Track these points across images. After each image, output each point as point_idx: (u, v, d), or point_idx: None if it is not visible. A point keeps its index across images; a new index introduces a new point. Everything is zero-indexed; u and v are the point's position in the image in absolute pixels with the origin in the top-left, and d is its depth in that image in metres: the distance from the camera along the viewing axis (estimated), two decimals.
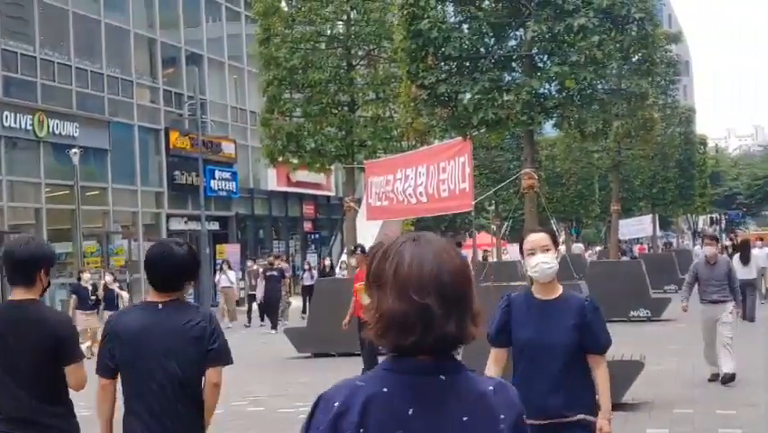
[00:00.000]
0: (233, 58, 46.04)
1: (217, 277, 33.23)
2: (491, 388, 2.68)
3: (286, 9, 21.61)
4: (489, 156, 33.23)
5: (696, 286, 14.85)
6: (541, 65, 13.72)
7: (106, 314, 20.69)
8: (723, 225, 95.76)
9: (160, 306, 5.43)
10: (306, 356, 20.13)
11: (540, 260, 5.81)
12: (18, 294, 5.56)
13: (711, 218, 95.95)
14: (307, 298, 30.98)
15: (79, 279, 23.50)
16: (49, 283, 5.70)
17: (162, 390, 5.29)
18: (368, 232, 25.85)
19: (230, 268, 32.63)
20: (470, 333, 2.64)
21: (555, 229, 41.23)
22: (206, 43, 43.74)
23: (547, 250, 5.84)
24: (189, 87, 41.04)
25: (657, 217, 45.81)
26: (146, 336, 5.32)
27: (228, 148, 43.64)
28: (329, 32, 21.66)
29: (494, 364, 5.99)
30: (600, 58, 13.12)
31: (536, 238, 5.93)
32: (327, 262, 31.22)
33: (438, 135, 14.51)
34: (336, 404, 2.58)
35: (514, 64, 14.28)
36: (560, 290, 5.94)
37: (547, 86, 13.37)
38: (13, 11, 32.85)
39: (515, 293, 6.08)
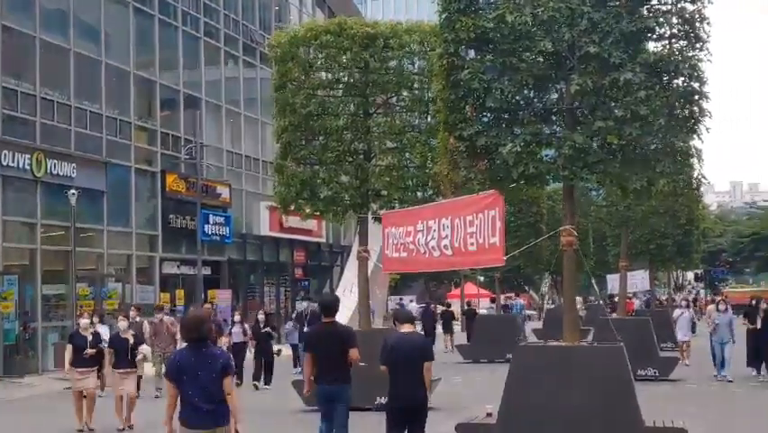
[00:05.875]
0: (230, 102, 45.84)
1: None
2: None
3: (303, 55, 21.27)
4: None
5: None
6: (583, 119, 13.41)
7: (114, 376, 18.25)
8: (707, 282, 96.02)
9: None
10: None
11: None
12: None
13: (696, 274, 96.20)
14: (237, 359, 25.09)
15: (78, 324, 19.46)
16: None
17: None
18: (350, 281, 25.54)
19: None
20: None
21: (593, 284, 41.26)
22: (204, 86, 43.50)
23: None
24: (186, 130, 40.75)
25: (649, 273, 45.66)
26: None
27: (223, 192, 43.28)
28: (346, 79, 21.31)
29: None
30: (645, 114, 12.85)
31: None
32: (261, 316, 27.19)
33: (476, 189, 14.15)
34: None
35: (555, 118, 14.01)
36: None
37: (590, 141, 13.03)
38: (14, 49, 32.48)
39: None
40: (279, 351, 34.29)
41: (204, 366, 8.92)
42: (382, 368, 11.71)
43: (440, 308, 46.15)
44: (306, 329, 26.85)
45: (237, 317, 27.59)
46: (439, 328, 41.61)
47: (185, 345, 9.33)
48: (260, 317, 27.05)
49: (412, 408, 11.56)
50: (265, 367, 25.86)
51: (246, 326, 27.07)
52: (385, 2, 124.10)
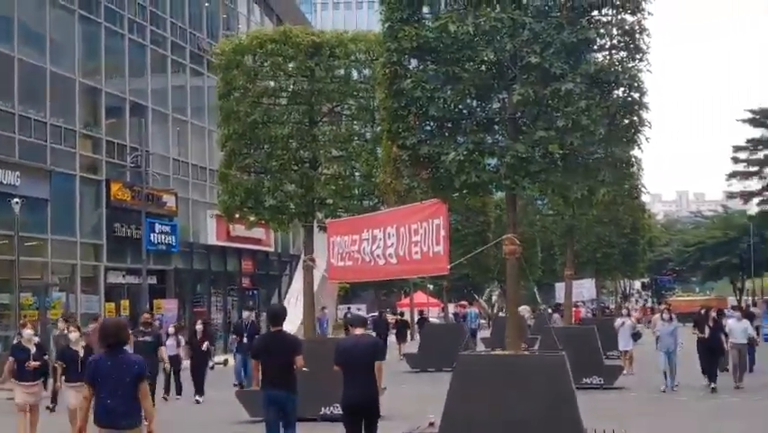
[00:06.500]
0: (177, 110, 45.55)
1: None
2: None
3: (248, 63, 21.16)
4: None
5: None
6: (525, 129, 13.47)
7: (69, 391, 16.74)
8: (654, 289, 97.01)
9: None
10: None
11: None
12: None
13: (643, 283, 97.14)
14: (173, 373, 25.34)
15: (20, 336, 18.04)
16: None
17: None
18: (298, 290, 25.39)
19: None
20: None
21: (535, 293, 41.57)
22: (151, 94, 43.20)
23: None
24: (132, 139, 40.43)
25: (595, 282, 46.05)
26: None
27: (169, 201, 42.97)
28: (292, 87, 21.23)
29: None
30: (586, 123, 12.93)
31: None
32: (199, 327, 26.20)
33: (419, 197, 14.17)
34: None
35: (497, 127, 14.05)
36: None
37: (531, 150, 13.09)
38: None
39: None
40: (226, 360, 34.10)
41: (119, 371, 9.46)
42: (335, 368, 12.21)
43: (391, 317, 46.18)
44: (245, 340, 26.52)
45: (171, 330, 26.87)
46: (392, 337, 41.60)
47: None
48: (198, 327, 26.39)
49: (364, 405, 12.10)
50: (197, 379, 24.85)
51: (181, 337, 26.34)
52: (334, 12, 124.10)
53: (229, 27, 50.58)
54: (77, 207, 37.46)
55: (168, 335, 25.68)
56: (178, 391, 25.28)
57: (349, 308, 57.27)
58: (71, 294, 36.53)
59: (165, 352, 22.85)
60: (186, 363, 25.96)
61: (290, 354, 12.61)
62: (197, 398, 24.45)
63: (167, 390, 24.94)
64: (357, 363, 12.06)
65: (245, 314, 26.43)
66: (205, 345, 25.29)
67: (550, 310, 50.03)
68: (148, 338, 21.65)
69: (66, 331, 19.20)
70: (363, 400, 12.09)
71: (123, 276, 40.24)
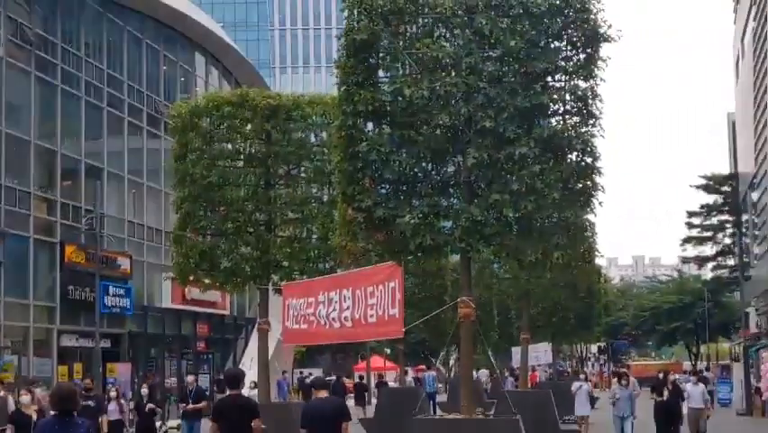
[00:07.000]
0: (133, 172, 45.36)
1: None
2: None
3: (204, 126, 21.18)
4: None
5: None
6: (480, 192, 13.55)
7: None
8: (610, 354, 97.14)
9: None
10: None
11: None
12: None
13: (599, 347, 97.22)
14: None
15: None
16: None
17: None
18: (253, 354, 25.07)
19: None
20: None
21: (490, 356, 41.54)
22: (107, 156, 43.02)
23: None
24: (87, 201, 40.12)
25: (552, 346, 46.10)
26: None
27: (124, 263, 42.60)
28: (248, 150, 21.28)
29: None
30: (541, 187, 13.05)
31: None
32: (144, 391, 25.60)
33: (374, 260, 14.17)
34: None
35: (452, 190, 14.14)
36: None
37: (486, 213, 13.16)
38: None
39: None
40: (179, 425, 33.50)
41: None
42: (302, 431, 12.46)
43: (348, 381, 45.91)
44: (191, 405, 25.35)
45: (113, 393, 26.10)
46: (350, 401, 41.26)
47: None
48: (144, 391, 25.80)
49: None
50: None
51: (123, 402, 25.58)
52: (293, 76, 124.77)
53: (186, 90, 50.66)
54: (30, 269, 37.05)
55: (109, 399, 24.91)
56: None
57: (301, 372, 56.94)
58: (24, 357, 35.96)
59: (105, 419, 22.35)
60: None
61: (248, 418, 12.73)
62: None
63: None
64: (324, 424, 12.29)
65: (189, 378, 25.72)
66: (148, 408, 24.59)
67: (507, 374, 50.00)
68: (90, 403, 21.15)
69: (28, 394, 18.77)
70: None
71: (77, 339, 39.71)
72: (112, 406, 24.19)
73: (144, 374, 44.28)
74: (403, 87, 13.27)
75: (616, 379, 26.53)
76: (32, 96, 37.87)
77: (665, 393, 25.13)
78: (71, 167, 40.60)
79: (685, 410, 25.50)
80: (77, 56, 41.14)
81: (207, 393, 35.15)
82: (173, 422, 34.78)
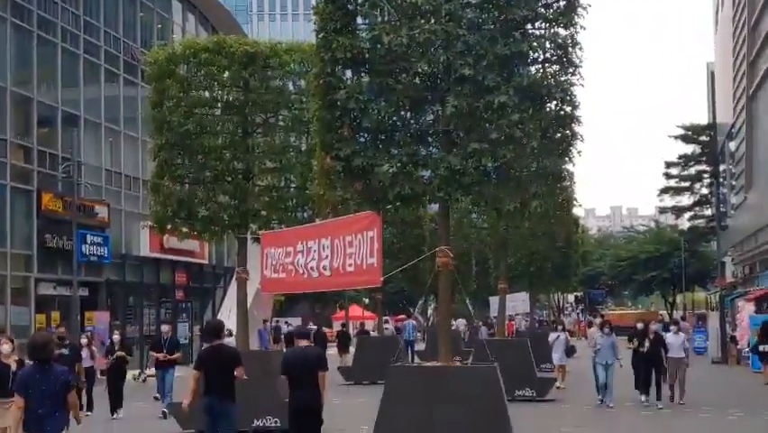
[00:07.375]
0: (110, 120, 45.03)
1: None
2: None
3: (181, 73, 20.94)
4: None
5: None
6: (459, 141, 13.47)
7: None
8: (587, 303, 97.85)
9: None
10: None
11: None
12: None
13: (576, 296, 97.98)
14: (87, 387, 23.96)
15: None
16: None
17: None
18: (232, 303, 25.04)
19: None
20: None
21: (468, 305, 41.72)
22: (83, 104, 42.66)
23: None
24: (64, 149, 39.83)
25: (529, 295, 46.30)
26: None
27: (102, 212, 42.41)
28: (226, 97, 21.07)
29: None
30: (519, 136, 12.99)
31: None
32: (116, 338, 25.65)
33: (352, 209, 14.11)
34: None
35: (431, 139, 14.05)
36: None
37: (465, 162, 13.09)
38: None
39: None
40: (145, 378, 33.60)
41: (48, 382, 10.31)
42: (282, 378, 13.08)
43: (328, 330, 46.09)
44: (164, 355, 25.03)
45: (84, 340, 25.32)
46: (332, 349, 41.43)
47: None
48: (116, 338, 25.75)
49: (308, 409, 12.86)
50: (114, 393, 23.86)
51: (94, 349, 25.38)
52: (270, 23, 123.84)
53: (163, 37, 50.14)
54: (7, 217, 36.82)
55: (81, 346, 24.79)
56: (89, 408, 23.87)
57: (277, 321, 57.08)
58: (1, 306, 35.84)
59: (81, 368, 22.45)
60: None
61: (231, 366, 13.30)
62: (115, 415, 23.54)
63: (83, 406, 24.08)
64: (303, 372, 12.82)
65: (164, 328, 25.64)
66: (117, 355, 24.41)
67: (480, 323, 50.27)
68: (65, 351, 21.27)
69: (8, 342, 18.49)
70: (308, 404, 12.82)
71: (54, 288, 39.59)
72: (84, 353, 24.16)
73: (121, 322, 44.21)
74: (382, 34, 13.12)
75: (596, 327, 26.55)
76: (7, 42, 37.44)
77: (647, 343, 25.15)
78: (48, 114, 40.25)
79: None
80: (53, 2, 40.64)
81: (182, 343, 35.16)
82: (151, 370, 34.87)
